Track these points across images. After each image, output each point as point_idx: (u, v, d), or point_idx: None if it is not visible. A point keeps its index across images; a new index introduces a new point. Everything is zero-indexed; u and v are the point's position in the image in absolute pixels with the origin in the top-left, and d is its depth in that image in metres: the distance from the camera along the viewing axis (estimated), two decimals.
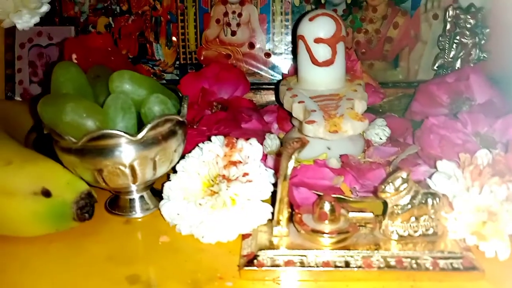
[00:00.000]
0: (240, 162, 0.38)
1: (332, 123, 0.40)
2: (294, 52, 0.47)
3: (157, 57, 0.67)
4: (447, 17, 0.60)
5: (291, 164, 0.31)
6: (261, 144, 0.50)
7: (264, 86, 0.66)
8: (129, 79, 0.38)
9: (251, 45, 0.66)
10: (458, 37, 0.60)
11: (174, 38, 0.66)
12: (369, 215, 0.35)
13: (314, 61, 0.46)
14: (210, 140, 0.40)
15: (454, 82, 0.56)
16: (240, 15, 0.65)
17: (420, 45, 0.64)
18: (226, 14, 0.65)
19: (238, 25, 0.66)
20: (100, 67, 0.42)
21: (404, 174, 0.33)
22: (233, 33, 0.66)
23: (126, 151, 0.35)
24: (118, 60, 0.49)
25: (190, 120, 0.56)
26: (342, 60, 0.46)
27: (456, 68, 0.61)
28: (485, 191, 0.34)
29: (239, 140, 0.39)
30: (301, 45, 0.46)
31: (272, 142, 0.50)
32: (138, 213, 0.42)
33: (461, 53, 0.61)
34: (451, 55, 0.61)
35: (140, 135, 0.35)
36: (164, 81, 0.67)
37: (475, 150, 0.39)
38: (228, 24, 0.66)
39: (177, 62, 0.67)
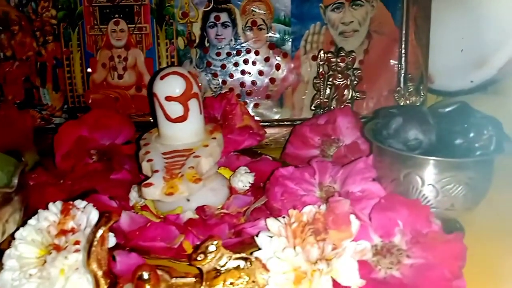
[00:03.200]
0: (73, 229, 0.38)
1: (169, 185, 0.41)
2: (153, 107, 0.48)
3: (45, 102, 0.67)
4: (319, 60, 0.63)
5: (95, 242, 0.32)
6: (127, 196, 0.51)
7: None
8: None
9: (138, 88, 0.67)
10: (331, 79, 0.63)
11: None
12: (191, 280, 0.36)
13: (168, 118, 0.47)
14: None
15: (324, 124, 0.59)
16: (125, 59, 0.66)
17: (303, 85, 0.67)
18: (112, 58, 0.66)
19: (125, 68, 0.66)
20: None
21: (214, 243, 0.34)
22: (120, 77, 0.67)
23: None
24: None
25: (64, 172, 0.56)
26: (196, 115, 0.48)
27: (332, 107, 0.64)
28: (298, 251, 0.37)
29: (74, 208, 0.39)
30: (155, 101, 0.47)
31: (138, 194, 0.51)
32: None
33: (335, 94, 0.64)
34: (326, 96, 0.64)
35: None
36: (53, 125, 0.67)
37: (313, 203, 0.41)
38: (114, 68, 0.66)
39: (65, 106, 0.67)
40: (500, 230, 0.46)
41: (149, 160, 0.45)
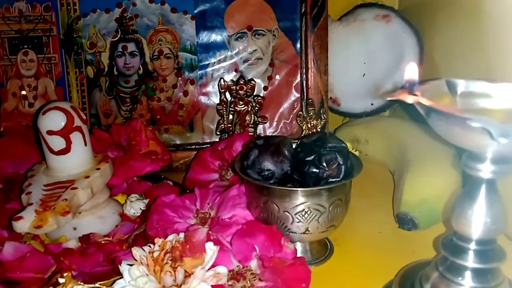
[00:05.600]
0: None
1: (39, 218, 0.43)
2: (38, 140, 0.50)
3: None
4: (220, 88, 0.66)
5: None
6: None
7: None
8: None
9: None
10: (232, 105, 0.67)
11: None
12: None
13: (51, 150, 0.49)
14: None
15: (223, 148, 0.62)
16: (36, 88, 0.68)
17: (211, 111, 0.70)
18: (22, 87, 0.68)
19: (35, 97, 0.68)
20: None
21: (64, 274, 0.37)
22: (31, 105, 0.68)
23: None
24: None
25: None
26: (79, 147, 0.50)
27: (236, 132, 0.68)
28: (151, 279, 0.39)
29: None
30: (39, 135, 0.49)
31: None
32: None
33: (237, 119, 0.67)
34: (229, 121, 0.67)
35: None
36: None
37: (184, 231, 0.44)
38: (25, 97, 0.68)
39: None
40: (366, 247, 0.50)
41: (28, 193, 0.47)
